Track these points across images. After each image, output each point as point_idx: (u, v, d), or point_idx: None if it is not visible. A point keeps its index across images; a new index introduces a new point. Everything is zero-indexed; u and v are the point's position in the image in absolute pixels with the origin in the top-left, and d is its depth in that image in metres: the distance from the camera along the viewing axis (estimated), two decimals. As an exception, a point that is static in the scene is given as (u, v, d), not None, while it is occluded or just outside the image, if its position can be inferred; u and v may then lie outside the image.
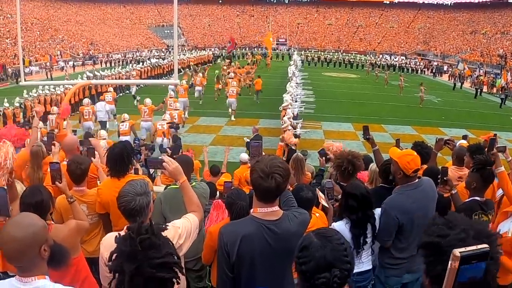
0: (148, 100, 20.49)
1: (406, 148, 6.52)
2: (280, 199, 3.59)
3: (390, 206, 4.77)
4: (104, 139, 16.67)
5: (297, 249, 2.48)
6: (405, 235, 4.82)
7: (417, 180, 4.84)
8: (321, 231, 2.50)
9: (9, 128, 4.35)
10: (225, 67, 40.99)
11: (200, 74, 33.69)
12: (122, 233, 3.23)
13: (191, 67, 45.37)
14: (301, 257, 2.40)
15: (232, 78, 30.47)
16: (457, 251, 1.78)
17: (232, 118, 26.78)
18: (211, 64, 48.54)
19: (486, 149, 6.24)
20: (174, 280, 2.36)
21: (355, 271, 4.67)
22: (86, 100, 21.99)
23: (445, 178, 5.37)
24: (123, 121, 18.34)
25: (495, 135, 6.54)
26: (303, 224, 3.40)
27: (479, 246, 1.81)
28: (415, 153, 4.88)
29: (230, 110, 27.16)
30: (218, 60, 62.93)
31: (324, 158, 7.92)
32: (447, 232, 2.09)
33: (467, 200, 5.26)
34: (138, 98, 21.91)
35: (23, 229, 2.65)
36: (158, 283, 2.28)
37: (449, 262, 1.82)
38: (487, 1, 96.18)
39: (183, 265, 2.52)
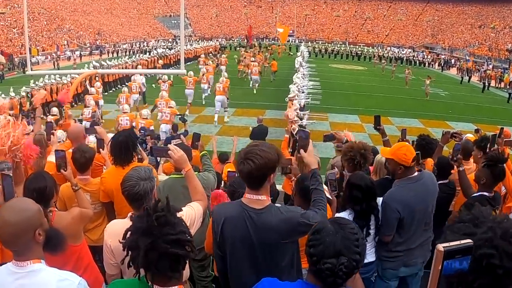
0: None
1: (407, 141, 6.54)
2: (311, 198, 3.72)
3: (391, 199, 4.74)
4: (146, 118, 17.02)
5: (310, 231, 2.50)
6: (405, 229, 4.79)
7: (416, 174, 4.81)
8: (337, 218, 2.56)
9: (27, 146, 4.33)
10: (243, 52, 48.11)
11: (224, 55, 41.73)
12: (126, 219, 3.25)
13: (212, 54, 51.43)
14: (312, 240, 2.43)
15: (254, 60, 37.48)
16: (440, 246, 1.75)
17: (255, 91, 33.24)
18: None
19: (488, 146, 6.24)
20: (186, 257, 2.45)
21: (371, 259, 4.73)
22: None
23: (455, 157, 5.56)
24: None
25: (501, 129, 6.49)
26: (287, 222, 3.36)
27: (463, 241, 1.79)
28: (406, 143, 4.94)
29: (251, 84, 34.43)
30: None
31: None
32: (473, 231, 2.01)
33: (476, 194, 5.23)
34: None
35: (17, 213, 2.66)
36: (171, 259, 2.36)
37: (434, 257, 1.79)
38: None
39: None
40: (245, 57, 42.32)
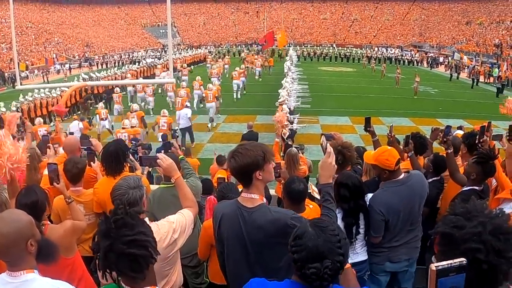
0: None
1: (393, 137, 6.61)
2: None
3: (374, 202, 4.78)
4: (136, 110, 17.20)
5: (291, 237, 2.50)
6: (389, 230, 4.84)
7: (403, 176, 4.83)
8: (317, 221, 2.52)
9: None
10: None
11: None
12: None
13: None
14: (294, 246, 2.43)
15: (257, 58, 49.60)
16: (433, 266, 1.81)
17: (260, 79, 42.18)
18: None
19: (478, 137, 6.28)
20: (147, 258, 2.46)
21: (350, 261, 4.71)
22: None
23: (445, 139, 5.66)
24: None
25: (489, 123, 6.53)
26: (275, 223, 3.37)
27: (456, 260, 1.83)
28: (388, 147, 4.91)
29: (256, 75, 43.97)
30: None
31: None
32: (463, 224, 2.07)
33: (466, 189, 5.28)
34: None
35: (8, 224, 2.71)
36: (130, 260, 2.39)
37: (428, 275, 1.84)
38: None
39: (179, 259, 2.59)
40: (248, 55, 55.53)
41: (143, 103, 28.94)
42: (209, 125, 24.33)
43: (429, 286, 1.85)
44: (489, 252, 1.97)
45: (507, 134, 6.06)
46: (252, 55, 56.85)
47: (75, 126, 22.44)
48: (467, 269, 1.86)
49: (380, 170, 4.80)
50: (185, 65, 38.30)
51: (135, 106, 21.20)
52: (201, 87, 28.78)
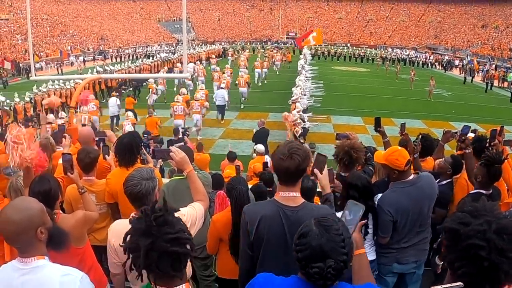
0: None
1: (406, 135, 6.60)
2: None
3: (383, 203, 4.76)
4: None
5: (296, 235, 2.52)
6: (398, 231, 4.81)
7: (412, 177, 4.80)
8: (322, 219, 2.51)
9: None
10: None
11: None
12: (129, 219, 3.30)
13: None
14: (298, 245, 2.45)
15: (277, 52, 55.97)
16: None
17: (278, 72, 46.44)
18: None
19: (488, 140, 6.28)
20: (188, 255, 2.46)
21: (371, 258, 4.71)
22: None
23: (463, 138, 5.67)
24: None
25: (501, 127, 6.52)
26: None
27: (454, 284, 1.91)
28: (398, 147, 4.88)
29: (275, 68, 47.48)
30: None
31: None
32: (469, 221, 2.10)
33: (472, 192, 5.27)
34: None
35: (19, 212, 2.73)
36: (172, 258, 2.37)
37: None
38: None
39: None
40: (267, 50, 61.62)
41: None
42: (242, 106, 28.83)
43: None
44: (492, 250, 2.00)
45: None
46: (271, 50, 60.93)
47: (113, 102, 22.90)
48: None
49: (390, 170, 4.78)
50: (201, 66, 38.27)
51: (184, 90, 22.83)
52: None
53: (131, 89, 31.96)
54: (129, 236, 2.44)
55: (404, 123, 7.45)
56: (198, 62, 41.93)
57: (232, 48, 70.63)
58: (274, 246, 3.46)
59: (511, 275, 2.05)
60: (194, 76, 34.51)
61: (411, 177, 4.79)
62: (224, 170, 10.78)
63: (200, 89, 25.11)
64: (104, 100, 28.58)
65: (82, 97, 14.36)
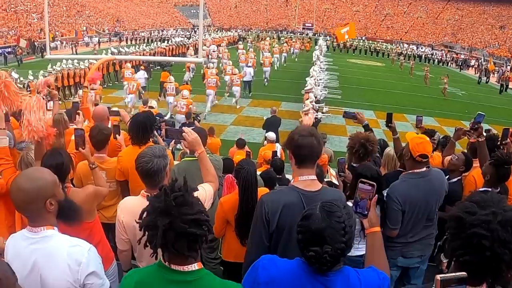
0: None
1: (422, 129, 6.57)
2: None
3: (393, 191, 4.76)
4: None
5: (299, 218, 2.53)
6: (403, 223, 4.81)
7: (425, 169, 4.77)
8: (327, 204, 2.51)
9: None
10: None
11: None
12: (139, 197, 3.29)
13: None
14: (300, 226, 2.47)
15: (295, 41, 60.53)
16: (438, 276, 1.89)
17: (296, 59, 50.39)
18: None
19: (499, 139, 6.27)
20: (204, 237, 2.46)
21: (361, 253, 4.69)
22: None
23: (476, 126, 5.72)
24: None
25: (515, 127, 6.52)
26: (341, 200, 3.27)
27: (457, 274, 1.92)
28: (428, 139, 4.85)
29: (294, 55, 52.08)
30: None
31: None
32: (475, 210, 2.12)
33: (481, 189, 5.27)
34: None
35: (30, 181, 2.75)
36: (188, 239, 2.37)
37: (434, 284, 1.93)
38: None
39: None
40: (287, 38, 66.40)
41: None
42: (266, 83, 32.85)
43: None
44: (495, 241, 2.02)
45: None
46: (291, 39, 66.49)
47: (141, 74, 23.55)
48: (466, 282, 1.92)
49: (407, 150, 4.79)
50: (226, 50, 41.04)
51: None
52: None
53: (159, 67, 32.11)
54: (146, 214, 2.44)
55: (421, 116, 7.47)
56: (223, 44, 47.24)
57: (248, 36, 73.73)
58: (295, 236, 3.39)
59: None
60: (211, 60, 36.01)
61: (423, 169, 4.76)
62: (234, 156, 10.81)
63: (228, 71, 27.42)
64: (116, 82, 28.81)
65: (92, 76, 14.43)
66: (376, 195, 3.09)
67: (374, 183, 3.06)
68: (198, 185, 3.75)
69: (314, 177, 3.45)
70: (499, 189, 5.21)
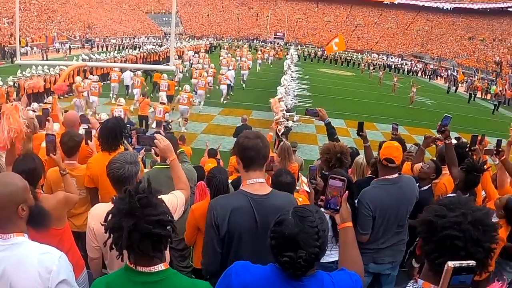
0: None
1: (398, 137, 6.67)
2: None
3: (364, 197, 4.79)
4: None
5: (272, 223, 2.52)
6: (375, 229, 4.85)
7: (396, 176, 4.83)
8: (300, 209, 2.53)
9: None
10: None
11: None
12: (110, 203, 3.30)
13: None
14: (273, 232, 2.47)
15: (269, 49, 64.72)
16: (450, 263, 1.91)
17: (271, 66, 53.70)
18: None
19: (468, 146, 6.39)
20: (169, 238, 2.47)
21: (333, 259, 4.70)
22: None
23: (443, 128, 5.69)
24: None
25: (482, 135, 6.64)
26: (291, 204, 3.30)
27: (469, 262, 1.94)
28: (397, 145, 4.89)
29: (269, 62, 56.42)
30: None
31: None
32: (445, 213, 2.16)
33: (450, 195, 5.35)
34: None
35: (1, 186, 2.71)
36: (153, 240, 2.39)
37: (444, 270, 1.94)
38: (487, 8, 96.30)
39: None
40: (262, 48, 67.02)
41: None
42: (244, 86, 35.27)
43: (443, 281, 1.95)
44: (468, 241, 2.07)
45: (495, 147, 6.22)
46: (264, 46, 72.34)
47: (127, 74, 27.35)
48: (474, 272, 1.96)
49: (378, 155, 4.86)
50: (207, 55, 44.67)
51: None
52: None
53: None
54: (111, 216, 2.45)
55: (397, 124, 7.60)
56: (202, 50, 50.00)
57: (222, 44, 76.25)
58: (248, 238, 3.38)
59: (486, 265, 2.12)
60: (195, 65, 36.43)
61: (394, 176, 4.83)
62: (205, 164, 10.81)
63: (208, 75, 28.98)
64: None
65: (58, 86, 14.38)
66: (347, 191, 3.12)
67: (345, 178, 3.08)
68: (170, 192, 3.76)
69: (263, 180, 3.45)
70: (468, 194, 5.31)
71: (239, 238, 3.36)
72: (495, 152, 6.42)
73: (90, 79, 23.90)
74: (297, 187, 6.08)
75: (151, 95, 26.28)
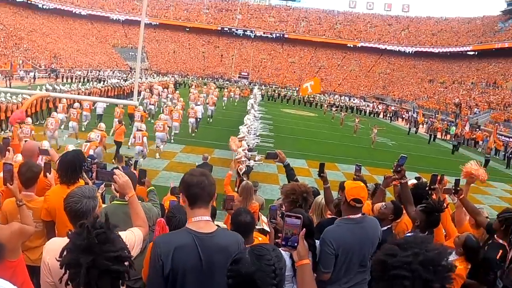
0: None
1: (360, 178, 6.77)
2: None
3: (326, 236, 4.78)
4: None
5: (229, 262, 2.53)
6: (337, 268, 4.82)
7: (360, 216, 4.84)
8: (257, 248, 2.54)
9: None
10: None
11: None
12: (66, 238, 3.27)
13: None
14: (230, 271, 2.47)
15: (234, 88, 67.37)
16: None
17: (236, 104, 55.85)
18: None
19: (428, 185, 6.56)
20: (128, 274, 2.45)
21: None
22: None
23: (399, 168, 5.82)
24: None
25: (442, 175, 6.80)
26: (237, 243, 3.36)
27: None
28: (362, 185, 4.93)
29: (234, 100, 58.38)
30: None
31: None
32: (396, 253, 2.19)
33: (408, 234, 5.48)
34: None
35: None
36: (112, 276, 2.37)
37: None
38: (447, 52, 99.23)
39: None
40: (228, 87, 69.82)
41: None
42: (210, 120, 37.40)
43: None
44: (416, 281, 2.10)
45: (453, 187, 6.40)
46: (231, 86, 74.64)
47: (100, 104, 27.17)
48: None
49: (343, 195, 4.89)
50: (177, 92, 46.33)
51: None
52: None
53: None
54: (67, 251, 2.42)
55: (360, 165, 7.75)
56: (172, 86, 53.99)
57: (185, 82, 78.91)
58: (192, 277, 3.29)
59: None
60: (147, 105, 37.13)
61: (358, 216, 4.84)
62: (165, 201, 10.76)
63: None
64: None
65: (15, 116, 14.23)
66: (304, 229, 3.16)
67: (301, 216, 3.13)
68: (128, 229, 3.71)
69: (208, 218, 3.43)
70: (426, 233, 5.42)
71: (183, 276, 3.28)
72: (453, 191, 6.59)
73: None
74: (257, 227, 6.14)
75: (129, 126, 26.69)
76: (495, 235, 5.62)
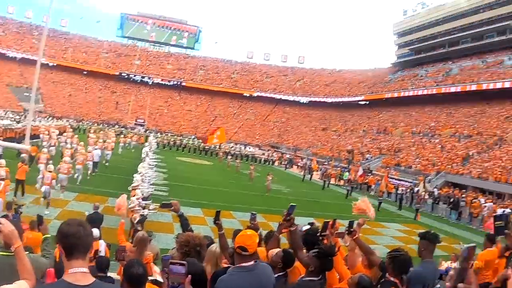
0: None
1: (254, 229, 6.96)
2: None
3: (220, 286, 4.79)
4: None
5: None
6: None
7: (252, 263, 4.89)
8: None
9: None
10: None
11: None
12: None
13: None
14: None
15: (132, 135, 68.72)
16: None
17: (133, 150, 55.26)
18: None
19: (320, 231, 6.85)
20: None
21: None
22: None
23: (289, 217, 6.20)
24: None
25: (334, 220, 7.09)
26: None
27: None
28: (250, 233, 5.06)
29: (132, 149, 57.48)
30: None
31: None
32: None
33: (303, 278, 5.69)
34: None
35: None
36: None
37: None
38: (339, 102, 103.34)
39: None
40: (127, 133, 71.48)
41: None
42: (107, 164, 38.61)
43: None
44: None
45: (347, 228, 6.72)
46: (128, 133, 73.54)
47: None
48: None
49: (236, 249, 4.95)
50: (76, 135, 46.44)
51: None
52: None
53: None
54: None
55: (255, 214, 8.01)
56: (70, 130, 54.33)
57: (79, 127, 77.51)
58: None
59: None
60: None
61: (250, 263, 4.89)
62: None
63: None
64: None
65: None
66: (189, 275, 3.23)
67: (185, 263, 3.20)
68: (14, 282, 3.65)
69: (86, 269, 3.32)
70: (320, 277, 5.64)
71: None
72: (347, 232, 6.89)
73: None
74: (149, 277, 6.15)
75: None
76: (387, 274, 5.94)
